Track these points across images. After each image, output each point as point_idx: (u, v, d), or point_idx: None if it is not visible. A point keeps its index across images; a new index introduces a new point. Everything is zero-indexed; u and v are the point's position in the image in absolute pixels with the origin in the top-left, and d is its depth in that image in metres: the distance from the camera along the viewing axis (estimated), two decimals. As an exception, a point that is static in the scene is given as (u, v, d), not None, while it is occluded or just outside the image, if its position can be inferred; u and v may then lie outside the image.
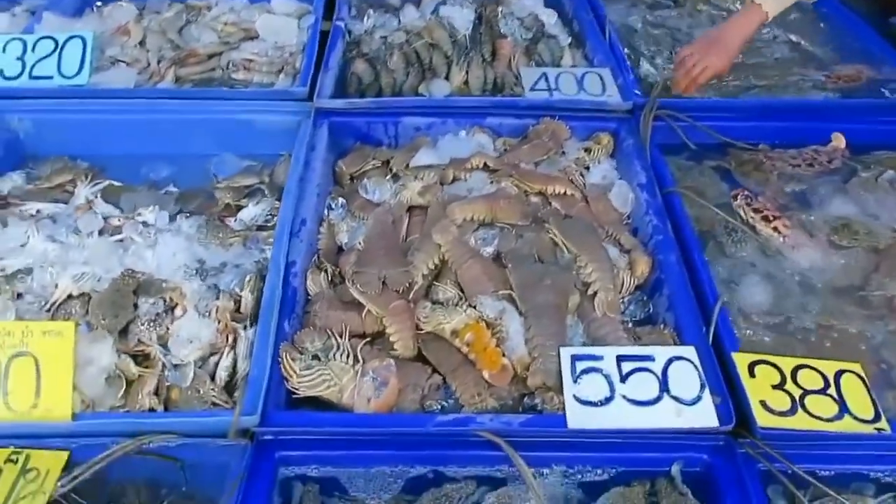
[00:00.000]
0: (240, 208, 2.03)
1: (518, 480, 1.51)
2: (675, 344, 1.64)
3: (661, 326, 1.71)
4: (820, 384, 1.54)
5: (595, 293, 1.72)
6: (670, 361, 1.55)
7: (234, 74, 2.43)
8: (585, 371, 1.53)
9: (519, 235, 1.85)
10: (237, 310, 1.69)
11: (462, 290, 1.73)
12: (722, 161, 2.24)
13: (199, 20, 2.60)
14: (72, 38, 2.29)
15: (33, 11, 2.62)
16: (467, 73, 2.41)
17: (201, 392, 1.51)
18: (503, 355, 1.60)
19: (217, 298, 1.67)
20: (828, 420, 1.48)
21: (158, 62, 2.42)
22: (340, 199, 2.01)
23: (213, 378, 1.56)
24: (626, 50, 2.49)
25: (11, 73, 2.24)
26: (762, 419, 1.47)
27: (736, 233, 1.95)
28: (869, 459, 1.55)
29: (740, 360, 1.56)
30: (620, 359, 1.55)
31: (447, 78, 2.42)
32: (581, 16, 2.67)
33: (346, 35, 2.58)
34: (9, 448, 1.42)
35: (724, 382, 1.54)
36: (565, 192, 2.00)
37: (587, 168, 2.13)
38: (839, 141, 2.28)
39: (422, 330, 1.65)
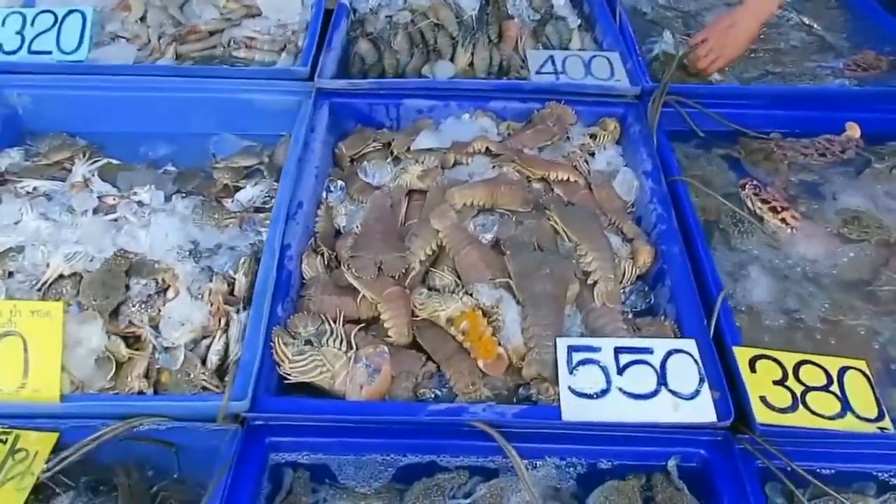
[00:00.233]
0: (238, 189, 2.01)
1: (511, 472, 1.48)
2: (676, 336, 1.61)
3: (662, 318, 1.68)
4: (822, 381, 1.50)
5: (595, 283, 1.69)
6: (669, 354, 1.52)
7: (236, 52, 2.39)
8: (582, 362, 1.50)
9: (519, 222, 1.81)
10: (231, 293, 1.66)
11: (459, 277, 1.69)
12: (731, 149, 2.19)
13: (202, -4, 2.55)
14: (72, 12, 2.25)
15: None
16: (472, 54, 2.36)
17: (192, 376, 1.50)
18: (499, 344, 1.57)
19: (210, 281, 1.65)
20: (829, 418, 1.45)
21: (159, 38, 2.38)
22: (339, 182, 1.98)
23: (204, 362, 1.54)
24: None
25: (10, 48, 2.21)
26: (762, 415, 1.43)
27: (742, 223, 1.91)
28: (871, 458, 1.52)
29: (741, 355, 1.53)
30: (618, 351, 1.52)
31: (452, 59, 2.37)
32: (592, -3, 2.61)
33: (351, 14, 2.53)
34: (-2, 427, 1.41)
35: (723, 377, 1.51)
36: (568, 179, 1.96)
37: (592, 154, 2.09)
38: (854, 130, 2.22)
39: (417, 317, 1.63)
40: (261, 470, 1.47)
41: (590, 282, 1.70)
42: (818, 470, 1.50)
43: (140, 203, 1.82)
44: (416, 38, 2.43)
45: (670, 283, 1.72)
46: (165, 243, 1.69)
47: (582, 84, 2.17)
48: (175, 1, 2.47)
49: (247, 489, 1.41)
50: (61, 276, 1.62)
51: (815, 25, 2.64)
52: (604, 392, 1.46)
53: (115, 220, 1.78)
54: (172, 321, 1.56)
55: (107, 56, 2.26)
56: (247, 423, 1.48)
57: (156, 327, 1.57)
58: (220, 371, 1.57)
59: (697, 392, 1.46)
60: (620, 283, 1.73)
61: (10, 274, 1.63)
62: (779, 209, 1.91)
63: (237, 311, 1.61)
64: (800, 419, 1.44)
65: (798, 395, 1.47)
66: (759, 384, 1.48)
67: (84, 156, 2.08)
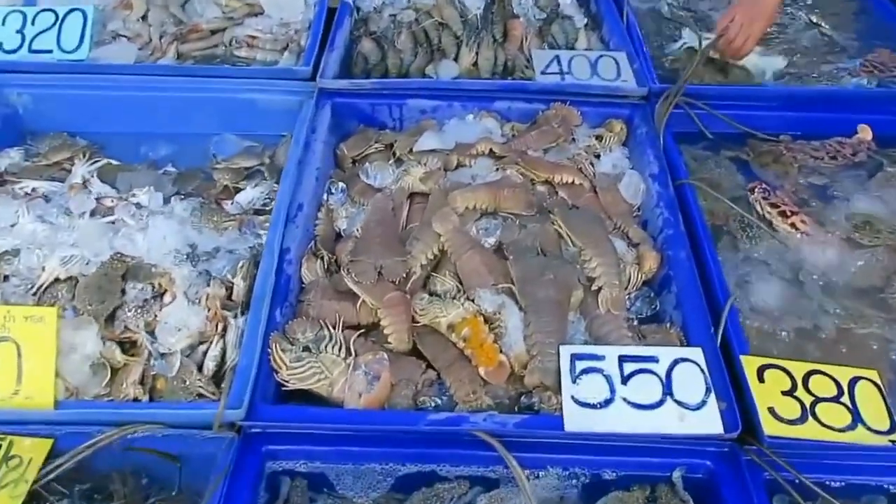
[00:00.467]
0: (238, 190, 1.99)
1: (512, 482, 1.46)
2: (682, 344, 1.58)
3: (668, 325, 1.64)
4: (833, 391, 1.47)
5: (599, 289, 1.65)
6: (675, 363, 1.48)
7: (237, 51, 2.37)
8: (585, 371, 1.47)
9: (522, 226, 1.78)
10: (228, 297, 1.64)
11: (461, 282, 1.66)
12: (740, 152, 2.15)
13: (204, -6, 2.53)
14: (72, 10, 2.23)
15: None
16: (477, 54, 2.32)
17: (187, 382, 1.47)
18: (500, 352, 1.54)
19: (208, 285, 1.62)
20: (839, 430, 1.42)
21: (160, 37, 2.36)
22: (340, 184, 1.95)
23: (200, 368, 1.52)
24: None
25: (11, 47, 2.19)
26: (770, 427, 1.40)
27: (751, 228, 1.87)
28: (882, 471, 1.48)
29: (749, 364, 1.49)
30: (622, 359, 1.49)
31: (456, 59, 2.34)
32: (599, -4, 2.57)
33: (354, 12, 2.50)
34: (-9, 433, 1.40)
35: (731, 387, 1.47)
36: (573, 182, 1.93)
37: (597, 156, 2.05)
38: (865, 133, 2.18)
39: (417, 323, 1.60)
40: (257, 479, 1.45)
41: (594, 288, 1.66)
42: (827, 482, 1.47)
43: (138, 205, 1.80)
44: (419, 38, 2.40)
45: (676, 290, 1.68)
46: (163, 246, 1.66)
47: (588, 84, 2.13)
48: (177, -1, 2.46)
49: (243, 498, 1.38)
50: (57, 280, 1.60)
51: (824, 24, 2.59)
52: (607, 402, 1.43)
53: (113, 222, 1.75)
54: (169, 326, 1.54)
55: (108, 55, 2.24)
56: (243, 431, 1.46)
57: (152, 333, 1.55)
58: (217, 377, 1.55)
59: (704, 402, 1.43)
60: (625, 289, 1.69)
61: (6, 278, 1.60)
62: (788, 213, 1.86)
63: (235, 316, 1.59)
64: (809, 431, 1.40)
65: (807, 406, 1.44)
66: (768, 395, 1.45)
67: (84, 156, 2.07)
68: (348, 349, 1.54)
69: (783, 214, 1.86)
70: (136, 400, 1.47)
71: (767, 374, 1.48)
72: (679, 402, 1.43)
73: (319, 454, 1.49)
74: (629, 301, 1.71)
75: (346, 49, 2.34)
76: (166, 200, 1.87)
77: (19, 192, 1.87)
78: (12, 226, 1.71)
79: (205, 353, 1.54)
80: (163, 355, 1.51)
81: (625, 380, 1.46)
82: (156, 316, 1.56)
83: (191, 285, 1.61)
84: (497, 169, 1.94)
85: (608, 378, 1.46)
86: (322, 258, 1.76)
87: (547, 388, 1.50)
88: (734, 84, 2.29)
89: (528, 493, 1.37)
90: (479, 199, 1.79)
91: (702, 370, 1.47)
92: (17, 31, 2.21)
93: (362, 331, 1.60)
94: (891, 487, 1.49)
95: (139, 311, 1.56)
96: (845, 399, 1.45)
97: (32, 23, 2.21)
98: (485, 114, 2.14)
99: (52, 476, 1.40)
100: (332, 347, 1.54)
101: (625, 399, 1.43)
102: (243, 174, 2.06)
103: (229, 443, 1.44)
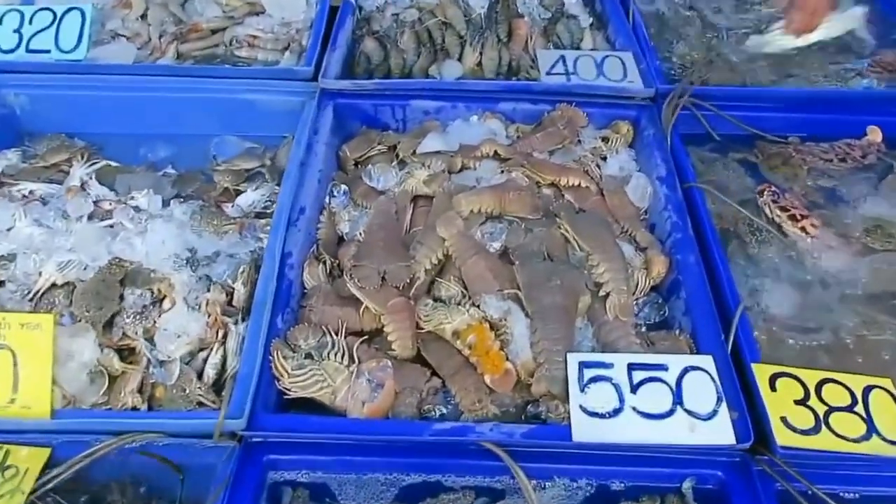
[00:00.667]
0: (239, 193, 1.95)
1: (518, 493, 1.43)
2: (692, 351, 1.55)
3: (677, 332, 1.61)
4: (847, 400, 1.44)
5: (607, 295, 1.62)
6: (685, 372, 1.45)
7: (238, 51, 2.33)
8: (594, 379, 1.44)
9: (528, 230, 1.75)
10: (229, 303, 1.61)
11: (466, 288, 1.63)
12: (748, 154, 2.12)
13: (204, -7, 2.49)
14: (71, 9, 2.20)
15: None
16: (481, 54, 2.29)
17: (187, 391, 1.44)
18: (507, 359, 1.51)
19: (208, 290, 1.59)
20: (854, 441, 1.38)
21: (160, 37, 2.33)
22: (343, 186, 1.91)
23: (200, 376, 1.49)
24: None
25: (8, 46, 2.16)
26: (782, 438, 1.37)
27: (760, 232, 1.84)
28: (897, 482, 1.45)
29: (761, 373, 1.46)
30: (632, 367, 1.45)
31: (460, 59, 2.30)
32: (605, -5, 2.53)
33: (357, 12, 2.46)
34: (-14, 442, 1.37)
35: (742, 396, 1.44)
36: (579, 184, 1.89)
37: (604, 158, 2.02)
38: (875, 134, 2.14)
39: (422, 329, 1.57)
40: (258, 489, 1.42)
41: (602, 293, 1.63)
42: (841, 494, 1.44)
43: (137, 208, 1.77)
44: (423, 37, 2.36)
45: (685, 295, 1.65)
46: (162, 251, 1.63)
47: (594, 85, 2.09)
48: (177, -2, 2.42)
49: (244, 509, 1.35)
50: (54, 286, 1.57)
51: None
52: (616, 411, 1.40)
53: (111, 226, 1.72)
54: (168, 333, 1.51)
55: (106, 55, 2.20)
56: (244, 440, 1.43)
57: (151, 339, 1.52)
58: (218, 385, 1.52)
59: (715, 412, 1.40)
60: (633, 294, 1.66)
61: (1, 283, 1.57)
62: (798, 217, 1.83)
63: (235, 323, 1.56)
64: (823, 442, 1.37)
65: (821, 416, 1.40)
66: (780, 404, 1.42)
67: (82, 158, 2.05)
68: (351, 356, 1.51)
69: (793, 218, 1.83)
70: (134, 409, 1.44)
71: (779, 382, 1.45)
72: (689, 412, 1.40)
73: (322, 464, 1.46)
74: (637, 307, 1.67)
75: (349, 49, 2.31)
76: (165, 203, 1.84)
77: (16, 195, 1.84)
78: (8, 230, 1.68)
79: (205, 361, 1.51)
80: (162, 363, 1.47)
81: (634, 388, 1.43)
82: (155, 322, 1.53)
83: (190, 291, 1.58)
84: (502, 171, 1.91)
85: (617, 387, 1.43)
86: (324, 262, 1.73)
87: (554, 396, 1.47)
88: (743, 85, 2.24)
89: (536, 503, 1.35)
90: (484, 203, 1.76)
91: (712, 379, 1.44)
92: (15, 31, 2.18)
93: (365, 337, 1.57)
94: (907, 499, 1.46)
95: (138, 317, 1.53)
96: (859, 408, 1.42)
97: (30, 22, 2.18)
98: (489, 115, 2.10)
99: (48, 486, 1.37)
100: (335, 355, 1.50)
101: (634, 408, 1.40)
102: (244, 176, 2.03)
103: (230, 452, 1.42)
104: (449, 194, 1.79)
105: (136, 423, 1.39)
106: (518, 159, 1.91)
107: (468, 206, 1.74)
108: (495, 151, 1.95)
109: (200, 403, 1.45)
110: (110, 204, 1.78)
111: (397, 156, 2.01)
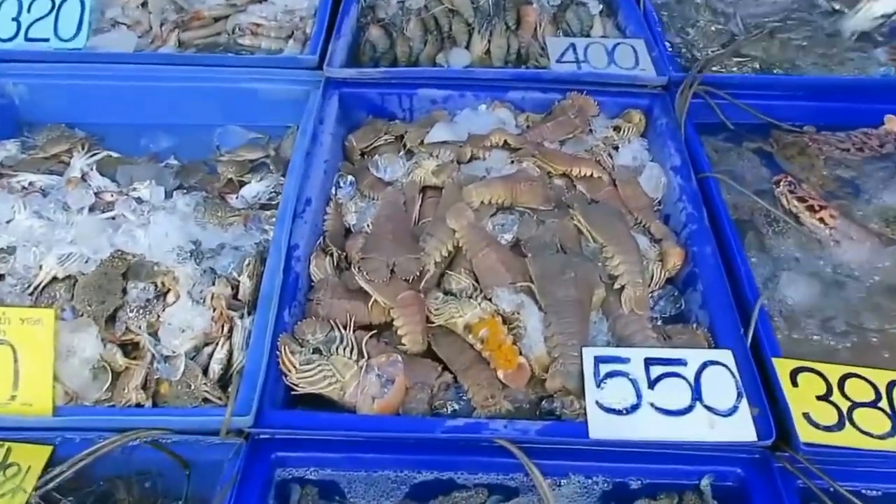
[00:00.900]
0: (243, 184, 1.91)
1: (532, 490, 1.40)
2: (710, 346, 1.51)
3: (694, 326, 1.57)
4: (870, 396, 1.40)
5: (622, 287, 1.58)
6: (704, 366, 1.42)
7: (241, 39, 2.28)
8: (610, 374, 1.40)
9: (540, 221, 1.70)
10: (234, 296, 1.57)
11: (477, 281, 1.59)
12: (763, 143, 2.07)
13: (206, -20, 2.44)
14: (70, -3, 2.15)
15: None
16: (489, 42, 2.24)
17: (192, 387, 1.40)
18: (520, 354, 1.47)
19: (213, 284, 1.55)
20: (879, 437, 1.35)
21: (161, 25, 2.28)
22: (349, 177, 1.87)
23: (205, 371, 1.45)
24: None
25: (6, 35, 2.11)
26: (805, 434, 1.33)
27: (777, 223, 1.79)
28: (920, 479, 1.42)
29: (782, 367, 1.42)
30: (649, 362, 1.42)
31: (467, 47, 2.25)
32: (614, -19, 2.48)
33: (362, -2, 2.41)
34: (-13, 439, 1.34)
35: (763, 391, 1.40)
36: (592, 175, 1.85)
37: (616, 148, 1.97)
38: (892, 123, 2.10)
39: (432, 323, 1.53)
40: (266, 486, 1.39)
41: (617, 286, 1.59)
42: (863, 491, 1.41)
43: (139, 200, 1.73)
44: (429, 25, 2.32)
45: (702, 288, 1.61)
46: (165, 243, 1.59)
47: (605, 73, 2.05)
48: (178, -15, 2.37)
49: (252, 507, 1.32)
50: (55, 280, 1.53)
51: (847, 11, 2.49)
52: (634, 407, 1.36)
53: (113, 218, 1.68)
54: (172, 328, 1.47)
55: (106, 43, 2.16)
56: (251, 437, 1.40)
57: (154, 334, 1.48)
58: (223, 380, 1.48)
59: (735, 408, 1.36)
60: (648, 287, 1.62)
61: (1, 277, 1.53)
62: (816, 208, 1.79)
63: (241, 317, 1.52)
64: (846, 438, 1.34)
65: (844, 411, 1.37)
66: (802, 399, 1.38)
67: (82, 148, 2.01)
68: (360, 351, 1.47)
69: (811, 209, 1.79)
70: (138, 405, 1.41)
71: (801, 377, 1.41)
72: (709, 408, 1.36)
73: (330, 461, 1.43)
74: (652, 300, 1.63)
75: (354, 37, 2.26)
76: (168, 195, 1.80)
77: (16, 186, 1.80)
78: (8, 222, 1.64)
79: (210, 356, 1.48)
80: (166, 358, 1.44)
81: (652, 384, 1.39)
82: (158, 317, 1.50)
83: (195, 284, 1.54)
84: (512, 161, 1.86)
85: (634, 382, 1.39)
86: (331, 255, 1.69)
87: (569, 392, 1.43)
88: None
89: (551, 502, 1.31)
90: (494, 194, 1.72)
91: (732, 374, 1.41)
92: (13, 19, 2.14)
93: (374, 331, 1.53)
94: (931, 497, 1.42)
95: (141, 311, 1.49)
96: (883, 404, 1.39)
97: (28, 10, 2.13)
98: (498, 104, 2.06)
99: (51, 485, 1.34)
100: (344, 349, 1.47)
101: (652, 404, 1.36)
102: (248, 167, 1.99)
103: (237, 449, 1.38)
104: (459, 185, 1.75)
105: (141, 420, 1.35)
106: (529, 149, 1.87)
107: (479, 196, 1.70)
108: (505, 141, 1.91)
109: (206, 400, 1.42)
110: (112, 195, 1.74)
111: (404, 146, 1.96)
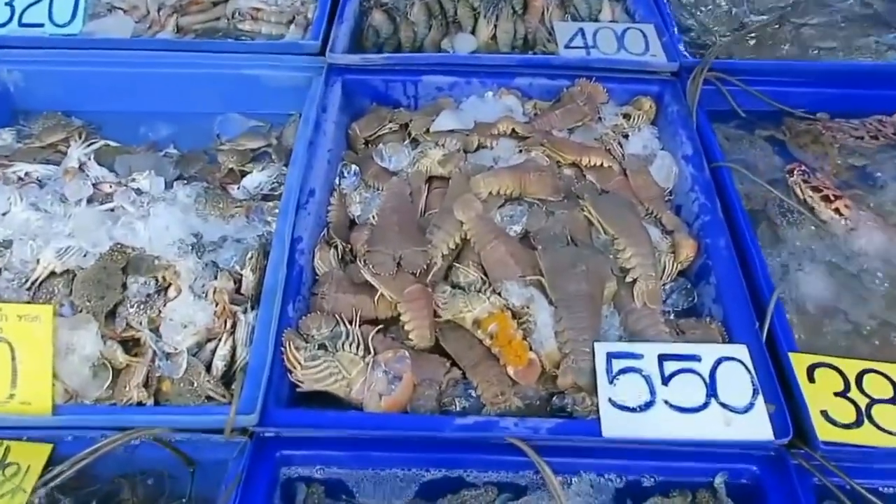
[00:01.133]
0: (244, 174, 1.87)
1: (543, 488, 1.37)
2: (724, 340, 1.47)
3: (707, 320, 1.54)
4: (889, 392, 1.37)
5: (634, 281, 1.54)
6: (719, 362, 1.38)
7: (241, 25, 2.23)
8: (623, 371, 1.37)
9: (550, 213, 1.66)
10: (237, 290, 1.53)
11: (485, 274, 1.55)
12: (775, 131, 2.03)
13: (204, -37, 2.38)
14: (65, -20, 2.10)
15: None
16: (495, 26, 2.20)
17: (195, 384, 1.37)
18: (530, 349, 1.44)
19: (215, 278, 1.51)
20: (899, 435, 1.31)
21: (158, 10, 2.23)
22: (353, 167, 1.83)
23: (208, 368, 1.42)
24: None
25: (-1, 21, 2.06)
26: (824, 433, 1.31)
27: (791, 214, 1.75)
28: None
29: (798, 363, 1.39)
30: (662, 358, 1.38)
31: (473, 32, 2.21)
32: (622, -36, 2.42)
33: (364, -18, 2.35)
34: (-14, 438, 1.31)
35: (779, 388, 1.37)
36: (602, 164, 1.81)
37: (626, 136, 1.93)
38: (907, 110, 2.05)
39: (440, 318, 1.49)
40: (272, 485, 1.37)
41: (628, 279, 1.55)
42: (880, 489, 1.38)
43: (138, 191, 1.68)
44: (434, 9, 2.26)
45: (715, 281, 1.57)
46: (166, 236, 1.55)
47: (615, 59, 2.00)
48: (176, -32, 2.31)
49: (257, 506, 1.29)
50: (52, 274, 1.49)
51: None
52: (648, 405, 1.33)
53: (112, 210, 1.64)
54: (174, 323, 1.43)
55: (103, 29, 2.11)
56: (256, 435, 1.37)
57: (156, 330, 1.44)
58: (227, 377, 1.45)
59: (751, 405, 1.33)
60: (661, 279, 1.58)
61: (-3, 271, 1.50)
62: (832, 198, 1.75)
63: (244, 312, 1.49)
64: (865, 436, 1.31)
65: (863, 408, 1.34)
66: (819, 396, 1.35)
67: (80, 137, 1.97)
68: (367, 347, 1.44)
69: (826, 199, 1.74)
70: (140, 404, 1.37)
71: (818, 373, 1.38)
72: (724, 405, 1.33)
73: (337, 459, 1.40)
74: (664, 293, 1.60)
75: (356, 21, 2.21)
76: (168, 185, 1.76)
77: (11, 177, 1.76)
78: (4, 214, 1.60)
79: (213, 352, 1.44)
80: (168, 355, 1.40)
81: (665, 380, 1.36)
82: (160, 312, 1.46)
83: (197, 278, 1.50)
84: (520, 150, 1.82)
85: (647, 378, 1.36)
86: (336, 247, 1.65)
87: (580, 388, 1.40)
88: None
89: (563, 501, 1.28)
90: (503, 184, 1.68)
91: (748, 370, 1.37)
92: (6, 4, 2.09)
93: (381, 326, 1.50)
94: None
95: (142, 306, 1.45)
96: (903, 400, 1.35)
97: (22, -7, 2.08)
98: (505, 91, 2.01)
99: (51, 485, 1.31)
100: (350, 345, 1.43)
101: (666, 402, 1.33)
102: (249, 156, 1.95)
103: (241, 448, 1.35)
104: (466, 175, 1.71)
105: (142, 419, 1.32)
106: (537, 138, 1.83)
107: (487, 187, 1.66)
108: (513, 129, 1.86)
109: (209, 397, 1.39)
110: (110, 186, 1.70)
111: (409, 134, 1.92)
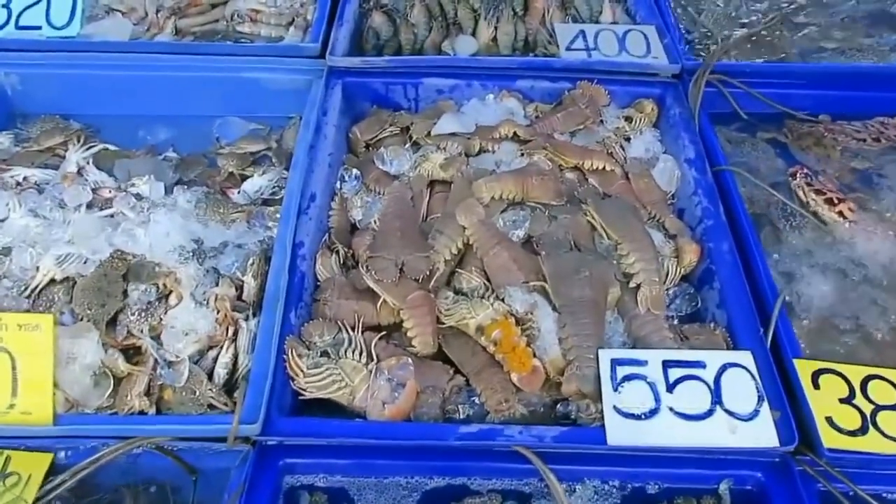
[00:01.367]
0: (245, 178, 1.86)
1: (547, 496, 1.37)
2: (728, 346, 1.47)
3: (711, 325, 1.53)
4: (894, 398, 1.37)
5: (638, 286, 1.53)
6: (724, 369, 1.38)
7: (240, 27, 2.22)
8: (627, 378, 1.36)
9: (552, 217, 1.65)
10: (239, 297, 1.52)
11: (488, 279, 1.54)
12: (777, 133, 2.02)
13: (202, -36, 2.36)
14: (62, -18, 2.08)
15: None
16: (496, 28, 2.19)
17: (197, 393, 1.36)
18: (534, 356, 1.43)
19: (216, 284, 1.50)
20: (903, 441, 1.31)
21: (157, 12, 2.21)
22: (354, 171, 1.82)
23: (210, 376, 1.40)
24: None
25: (-4, 23, 2.05)
26: (829, 440, 1.30)
27: (794, 217, 1.75)
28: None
29: (803, 369, 1.39)
30: (667, 364, 1.38)
31: (474, 34, 2.19)
32: (623, -35, 2.41)
33: (363, -17, 2.34)
34: (-14, 448, 1.30)
35: (784, 394, 1.36)
36: (604, 168, 1.80)
37: (627, 139, 1.92)
38: (909, 112, 2.05)
39: (443, 324, 1.48)
40: (275, 494, 1.36)
41: (632, 285, 1.54)
42: (884, 494, 1.38)
43: (138, 196, 1.67)
44: (434, 10, 2.25)
45: (719, 286, 1.57)
46: (166, 243, 1.53)
47: (616, 61, 1.99)
48: (174, -30, 2.29)
49: (260, 515, 1.29)
50: (52, 282, 1.47)
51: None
52: (653, 412, 1.32)
53: (111, 216, 1.62)
54: (175, 331, 1.42)
55: (101, 31, 2.10)
56: (258, 444, 1.36)
57: (157, 338, 1.43)
58: (228, 384, 1.44)
59: (756, 412, 1.33)
60: (664, 284, 1.57)
61: (-4, 279, 1.48)
62: (835, 200, 1.74)
63: (246, 319, 1.48)
64: (871, 443, 1.30)
65: (867, 415, 1.33)
66: (824, 403, 1.34)
67: (78, 141, 1.95)
68: (370, 354, 1.43)
69: (830, 202, 1.74)
70: (141, 413, 1.36)
71: (822, 379, 1.38)
72: (730, 412, 1.32)
73: (340, 467, 1.40)
74: (668, 298, 1.59)
75: (356, 23, 2.19)
76: (168, 189, 1.75)
77: (10, 182, 1.74)
78: (2, 221, 1.58)
79: (215, 360, 1.43)
80: (170, 363, 1.39)
81: (670, 387, 1.35)
82: (161, 319, 1.45)
83: (198, 285, 1.49)
84: (522, 154, 1.81)
85: (652, 385, 1.35)
86: (337, 252, 1.64)
87: (585, 395, 1.39)
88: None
89: (568, 510, 1.28)
90: (505, 188, 1.67)
91: (752, 376, 1.37)
92: (3, 6, 2.08)
93: (383, 333, 1.49)
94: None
95: (143, 314, 1.44)
96: (908, 406, 1.35)
97: (19, -4, 2.06)
98: (506, 93, 2.00)
99: (52, 495, 1.30)
100: (353, 352, 1.42)
101: (671, 409, 1.33)
102: (249, 160, 1.93)
103: (244, 456, 1.35)
104: (468, 179, 1.70)
105: (144, 428, 1.31)
106: (539, 141, 1.81)
107: (489, 192, 1.65)
108: (514, 133, 1.85)
109: (211, 406, 1.37)
110: (110, 191, 1.68)
111: (410, 137, 1.91)
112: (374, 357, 1.42)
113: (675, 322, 1.57)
